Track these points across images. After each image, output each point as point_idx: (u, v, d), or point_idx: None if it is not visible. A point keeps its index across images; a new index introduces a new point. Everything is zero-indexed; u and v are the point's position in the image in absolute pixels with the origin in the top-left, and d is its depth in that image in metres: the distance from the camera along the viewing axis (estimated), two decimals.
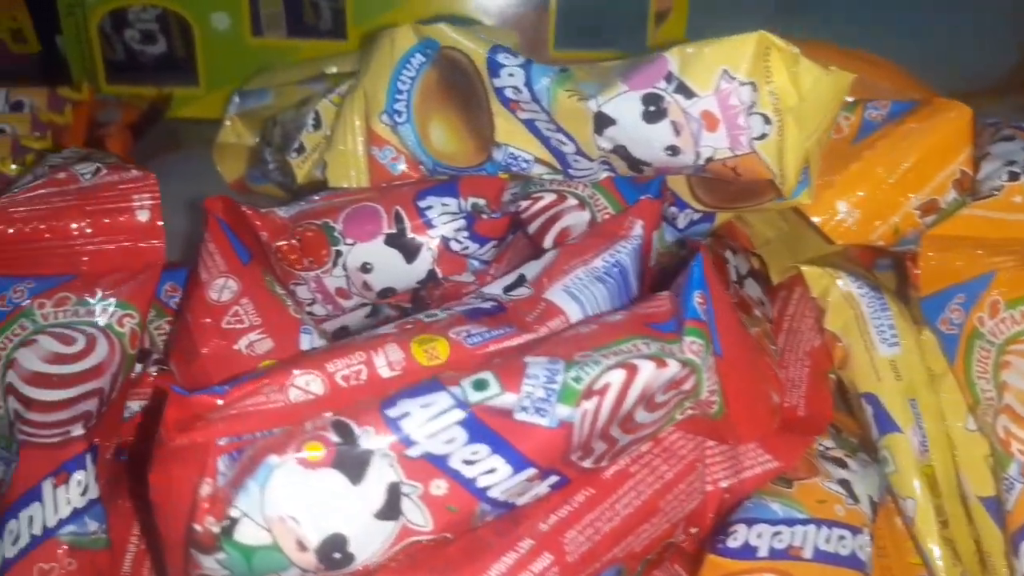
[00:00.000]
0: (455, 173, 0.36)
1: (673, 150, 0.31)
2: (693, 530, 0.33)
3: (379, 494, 0.24)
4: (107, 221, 0.34)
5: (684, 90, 0.30)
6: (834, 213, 0.37)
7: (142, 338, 0.33)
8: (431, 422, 0.25)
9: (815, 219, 0.37)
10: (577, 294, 0.31)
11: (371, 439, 0.24)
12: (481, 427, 0.25)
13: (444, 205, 0.36)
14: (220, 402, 0.25)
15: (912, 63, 0.60)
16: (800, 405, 0.37)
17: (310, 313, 0.37)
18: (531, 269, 0.32)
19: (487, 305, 0.31)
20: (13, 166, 0.50)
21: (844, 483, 0.34)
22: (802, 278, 0.40)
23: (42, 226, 0.33)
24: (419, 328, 0.29)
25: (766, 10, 0.73)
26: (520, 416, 0.26)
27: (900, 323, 0.37)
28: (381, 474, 0.24)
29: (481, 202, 0.37)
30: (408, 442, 0.25)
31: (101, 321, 0.32)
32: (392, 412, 0.25)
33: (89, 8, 0.61)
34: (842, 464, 0.36)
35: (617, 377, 0.26)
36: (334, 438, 0.24)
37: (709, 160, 0.31)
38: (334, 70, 0.50)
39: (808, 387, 0.38)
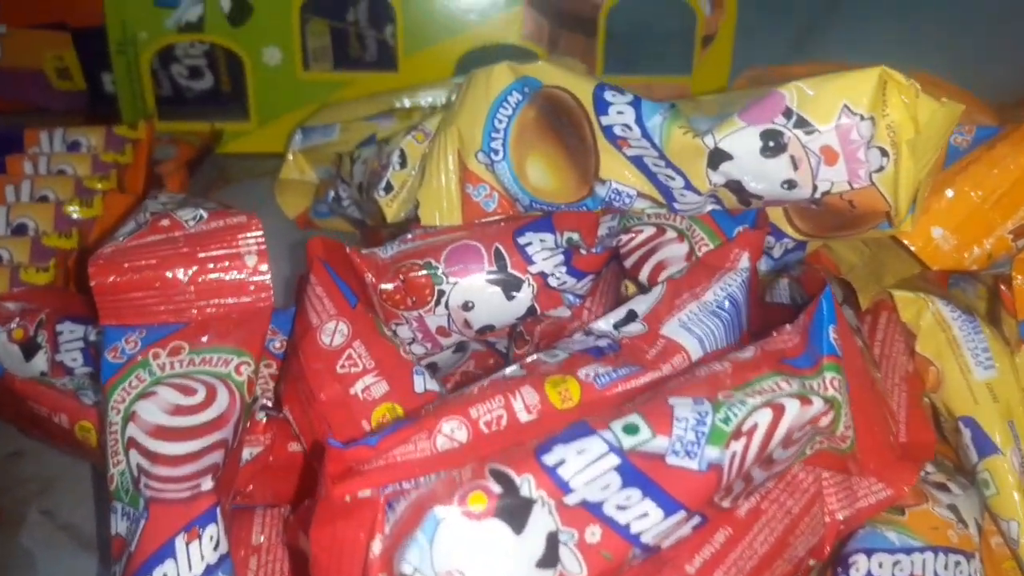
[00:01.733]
0: (553, 209, 0.36)
1: (790, 184, 0.31)
2: (812, 563, 0.33)
3: (539, 543, 0.24)
4: (215, 267, 0.33)
5: (804, 125, 0.30)
6: (930, 239, 0.37)
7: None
8: (588, 469, 0.25)
9: (912, 246, 0.37)
10: (694, 328, 0.31)
11: (531, 488, 0.24)
12: (635, 472, 0.25)
13: (542, 241, 0.36)
14: (374, 453, 0.25)
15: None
16: (901, 431, 0.37)
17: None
18: (641, 304, 0.32)
19: (603, 343, 0.31)
20: (78, 208, 0.50)
21: (952, 508, 0.34)
22: (888, 303, 0.40)
23: (151, 275, 0.33)
24: (547, 369, 0.29)
25: (801, 32, 0.74)
26: (671, 460, 0.25)
27: (994, 345, 0.37)
28: (541, 523, 0.24)
29: (576, 236, 0.37)
30: (566, 489, 0.25)
31: (220, 370, 0.32)
32: (548, 459, 0.25)
33: (141, 46, 0.61)
34: (945, 489, 0.36)
35: (764, 418, 0.26)
36: (496, 488, 0.24)
37: (826, 193, 0.31)
38: (405, 104, 0.50)
39: (908, 413, 0.38)
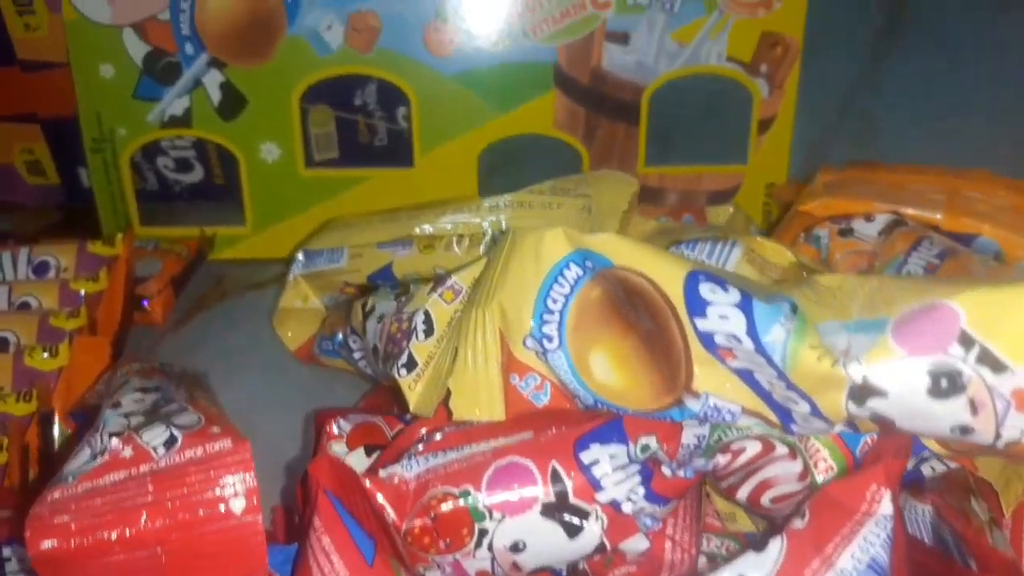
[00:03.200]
0: (625, 413, 0.29)
1: (964, 430, 0.23)
2: None
3: None
4: (192, 519, 0.26)
5: (990, 361, 0.22)
6: None
7: None
8: None
9: None
10: None
11: None
12: None
13: (612, 457, 0.28)
14: None
15: None
16: None
17: None
18: (756, 571, 0.25)
19: None
20: (41, 357, 0.42)
21: None
22: None
23: (108, 538, 0.25)
24: None
25: (864, 118, 0.67)
26: None
27: None
28: None
29: (653, 443, 0.29)
30: None
31: None
32: None
33: (120, 143, 0.54)
34: None
35: None
36: None
37: (1013, 444, 0.23)
38: (427, 230, 0.42)
39: None
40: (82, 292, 0.47)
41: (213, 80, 0.53)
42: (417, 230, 0.42)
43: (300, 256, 0.47)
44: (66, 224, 0.62)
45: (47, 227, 0.62)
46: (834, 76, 0.68)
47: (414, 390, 0.32)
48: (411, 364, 0.33)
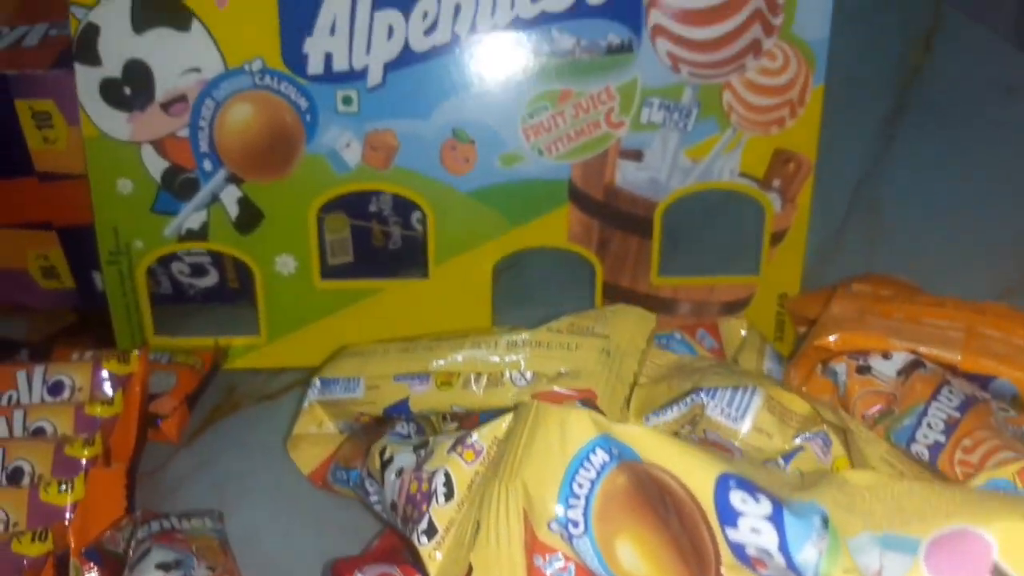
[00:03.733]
0: None
1: None
2: None
3: None
4: None
5: None
6: None
7: None
8: None
9: None
10: None
11: None
12: None
13: None
14: None
15: None
16: None
17: None
18: None
19: None
20: (55, 490, 0.42)
21: None
22: None
23: None
24: None
25: (875, 228, 0.68)
26: None
27: None
28: None
29: None
30: None
31: None
32: None
33: (136, 256, 0.54)
34: None
35: None
36: None
37: None
38: (440, 364, 0.42)
39: None
40: (97, 417, 0.47)
41: (231, 195, 0.53)
42: (434, 363, 0.42)
43: (316, 383, 0.47)
44: (80, 327, 0.62)
45: (62, 330, 0.62)
46: (841, 166, 0.69)
47: (434, 560, 0.32)
48: (431, 531, 0.33)
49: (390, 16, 0.51)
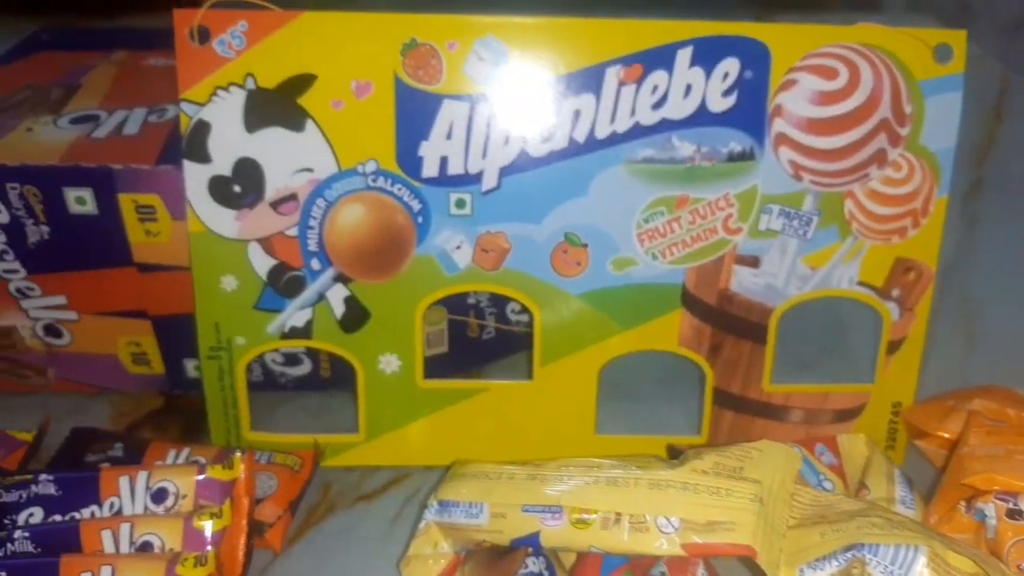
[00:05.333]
0: None
1: None
2: None
3: None
4: None
5: None
6: None
7: None
8: None
9: None
10: None
11: None
12: None
13: None
14: None
15: None
16: None
17: None
18: None
19: None
20: None
21: None
22: None
23: None
24: None
25: (965, 298, 0.66)
26: None
27: None
28: None
29: None
30: None
31: None
32: None
33: (237, 353, 0.53)
34: None
35: None
36: None
37: None
38: (575, 499, 0.40)
39: None
40: (205, 530, 0.46)
41: (337, 294, 0.52)
42: (567, 498, 0.40)
43: (434, 504, 0.45)
44: (166, 412, 0.61)
45: (148, 415, 0.61)
46: None
47: None
48: None
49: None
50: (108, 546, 0.45)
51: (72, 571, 0.43)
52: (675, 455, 0.55)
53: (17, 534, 0.45)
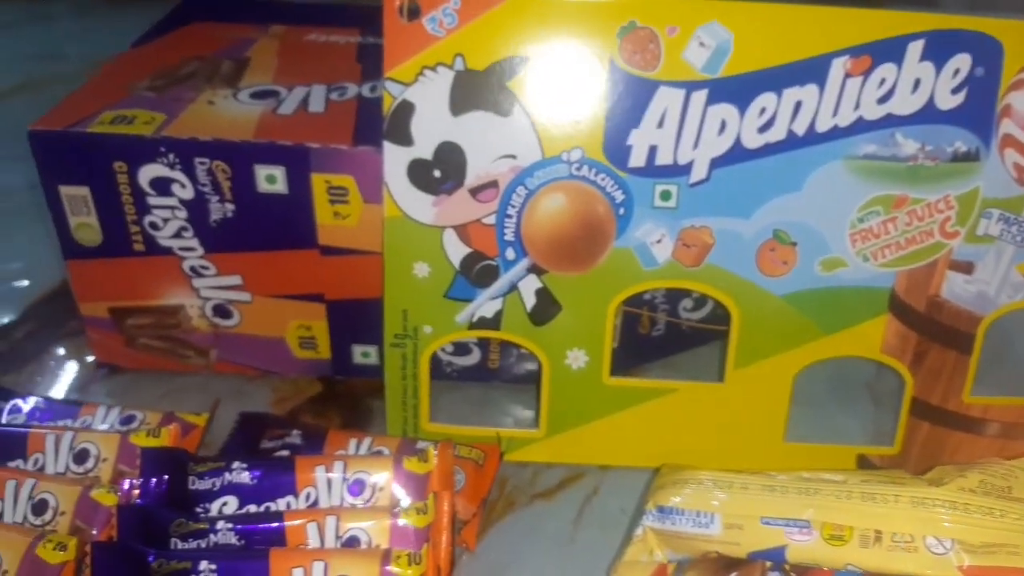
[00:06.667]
0: None
1: None
2: None
3: None
4: None
5: None
6: None
7: None
8: None
9: None
10: None
11: None
12: None
13: None
14: None
15: None
16: None
17: None
18: None
19: None
20: None
21: None
22: None
23: None
24: None
25: None
26: None
27: None
28: None
29: None
30: None
31: None
32: None
33: (423, 342, 0.51)
34: None
35: None
36: None
37: None
38: (825, 513, 0.38)
39: None
40: (411, 527, 0.44)
41: (529, 286, 0.50)
42: (816, 512, 0.39)
43: (653, 511, 0.43)
44: (324, 398, 0.60)
45: (309, 401, 0.59)
46: None
47: None
48: None
49: (724, 111, 0.48)
50: (313, 540, 0.44)
51: (282, 566, 0.42)
52: (864, 466, 0.53)
53: (220, 525, 0.44)
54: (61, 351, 0.63)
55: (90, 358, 0.61)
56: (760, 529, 0.40)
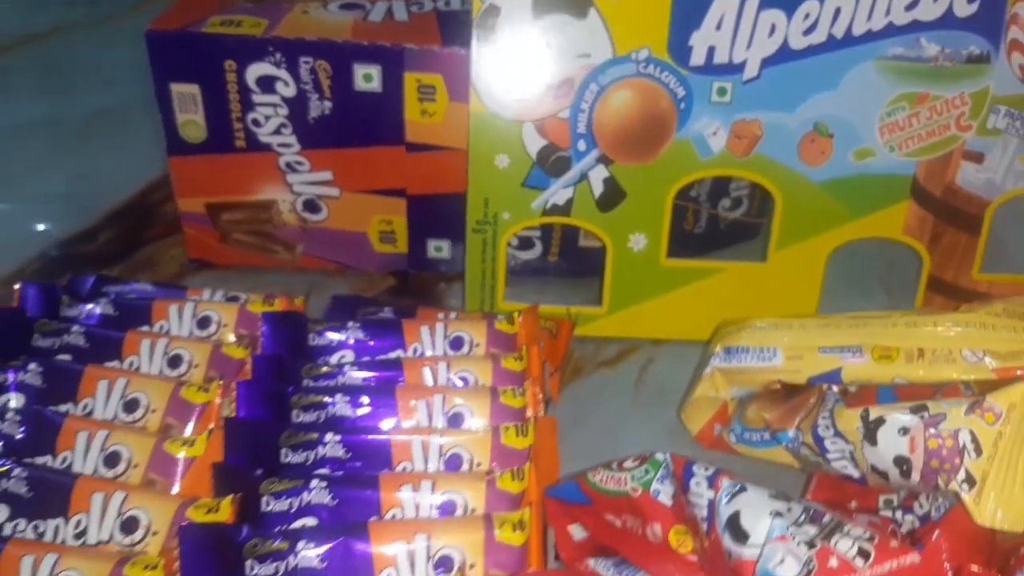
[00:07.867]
0: None
1: None
2: None
3: None
4: None
5: None
6: None
7: None
8: None
9: None
10: None
11: None
12: None
13: None
14: None
15: None
16: None
17: None
18: None
19: None
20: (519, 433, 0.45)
21: None
22: None
23: None
24: None
25: None
26: None
27: None
28: None
29: None
30: None
31: None
32: None
33: (502, 227, 0.57)
34: None
35: None
36: None
37: None
38: (877, 338, 0.45)
39: None
40: (511, 370, 0.50)
41: (598, 175, 0.57)
42: (868, 339, 0.46)
43: (719, 351, 0.50)
44: (398, 291, 0.65)
45: (384, 292, 0.65)
46: None
47: (979, 505, 0.36)
48: (971, 481, 0.37)
49: (774, 15, 0.54)
50: (421, 415, 0.49)
51: (390, 487, 0.42)
52: None
53: (328, 437, 0.45)
54: (146, 252, 0.68)
55: (174, 260, 0.66)
56: (818, 357, 0.47)
